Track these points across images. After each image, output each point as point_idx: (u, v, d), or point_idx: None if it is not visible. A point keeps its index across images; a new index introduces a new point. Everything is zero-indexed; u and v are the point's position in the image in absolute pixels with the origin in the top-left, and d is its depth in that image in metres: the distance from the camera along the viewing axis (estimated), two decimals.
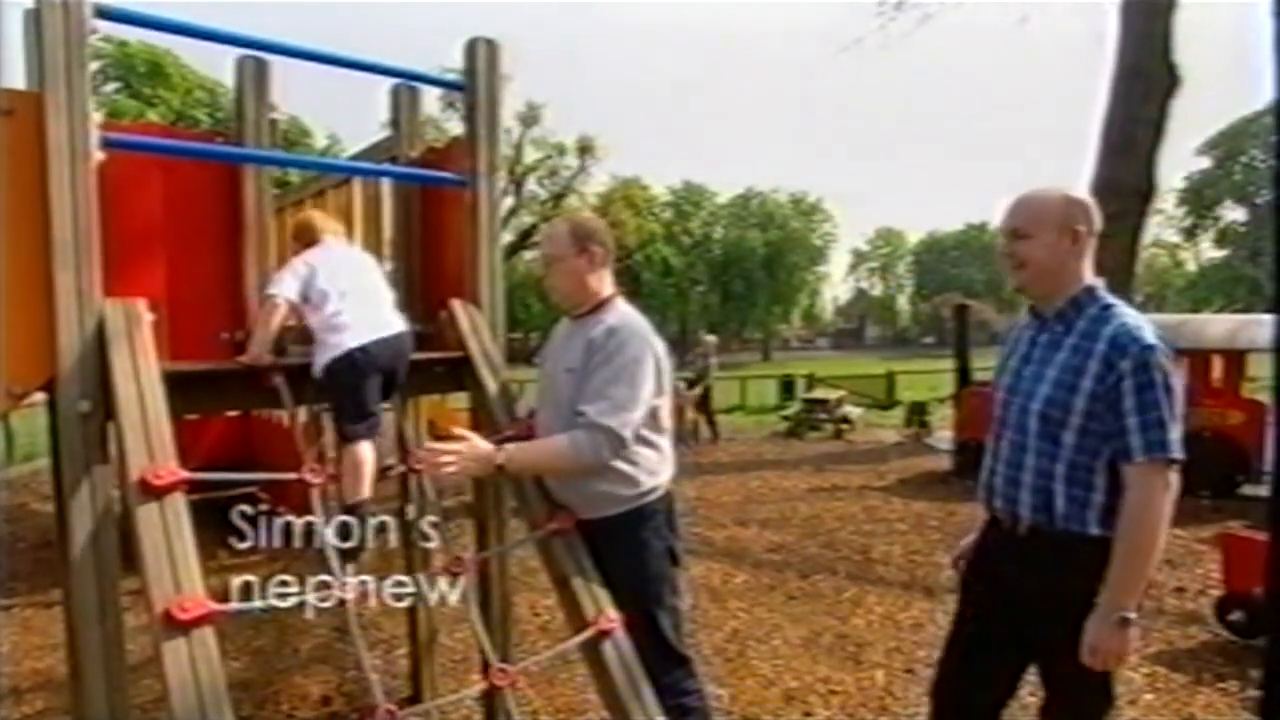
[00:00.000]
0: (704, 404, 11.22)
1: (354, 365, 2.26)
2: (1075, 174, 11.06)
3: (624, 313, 2.15)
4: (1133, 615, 1.61)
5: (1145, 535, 1.61)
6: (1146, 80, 8.87)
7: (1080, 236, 1.75)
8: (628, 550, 2.07)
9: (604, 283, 2.19)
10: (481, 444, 2.00)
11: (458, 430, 2.07)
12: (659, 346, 2.13)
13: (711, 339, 12.27)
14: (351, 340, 2.25)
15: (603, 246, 2.20)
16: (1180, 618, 3.99)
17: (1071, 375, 1.70)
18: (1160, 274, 48.96)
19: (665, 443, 2.18)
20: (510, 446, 2.01)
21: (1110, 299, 1.76)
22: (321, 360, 2.28)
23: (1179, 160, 36.25)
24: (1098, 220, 1.77)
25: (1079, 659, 1.65)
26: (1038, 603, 1.75)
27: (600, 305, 2.16)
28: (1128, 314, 1.72)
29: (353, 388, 2.30)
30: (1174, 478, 1.63)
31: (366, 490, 2.34)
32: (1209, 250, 42.27)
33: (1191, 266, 47.06)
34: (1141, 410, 1.61)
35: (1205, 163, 37.41)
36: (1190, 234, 41.42)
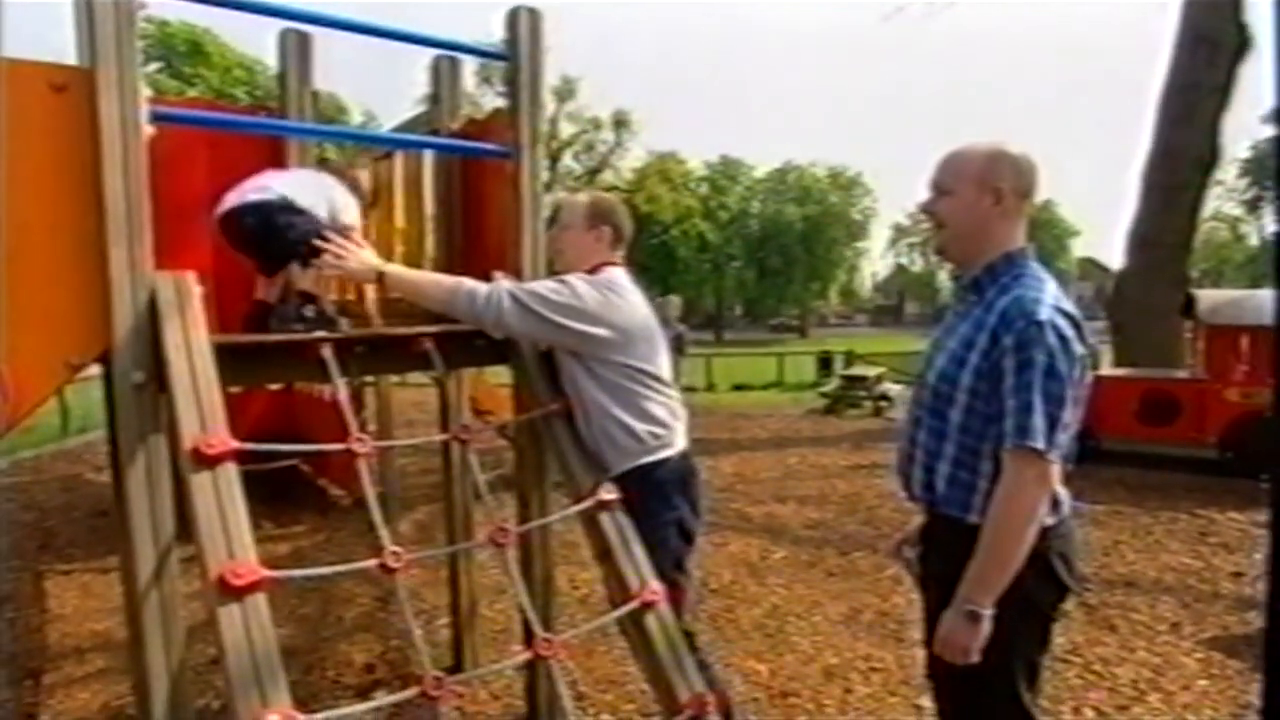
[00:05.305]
0: None
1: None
2: (1129, 144, 10.62)
3: (611, 270, 2.18)
4: (986, 611, 1.48)
5: (1005, 528, 1.47)
6: (1212, 42, 8.44)
7: (1004, 195, 1.58)
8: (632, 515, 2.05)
9: (605, 259, 2.22)
10: (371, 254, 2.18)
11: (358, 240, 2.21)
12: (631, 302, 2.13)
13: (675, 299, 9.94)
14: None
15: (615, 230, 2.23)
16: (1237, 603, 3.88)
17: (963, 349, 1.58)
18: (1219, 248, 46.95)
19: (673, 404, 2.18)
20: (396, 266, 2.18)
21: (1026, 268, 1.59)
22: None
23: (1244, 128, 34.51)
24: (1030, 180, 1.60)
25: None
26: (938, 587, 1.64)
27: (592, 270, 2.19)
28: (1033, 284, 1.55)
29: None
30: (1049, 469, 1.47)
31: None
32: (1273, 224, 40.39)
33: (1254, 240, 45.03)
34: (1017, 392, 1.46)
35: (1271, 130, 35.56)
36: (1253, 206, 39.65)
